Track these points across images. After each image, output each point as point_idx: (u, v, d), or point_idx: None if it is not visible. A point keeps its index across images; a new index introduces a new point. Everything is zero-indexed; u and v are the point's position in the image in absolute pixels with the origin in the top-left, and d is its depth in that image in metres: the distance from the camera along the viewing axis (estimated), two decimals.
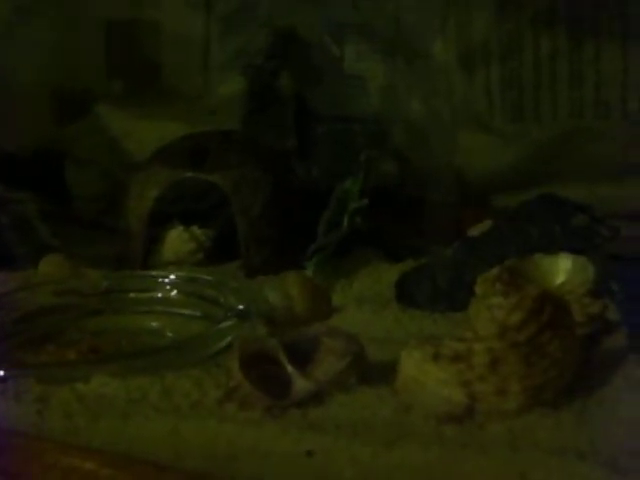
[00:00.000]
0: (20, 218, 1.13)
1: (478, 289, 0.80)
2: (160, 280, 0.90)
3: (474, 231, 0.99)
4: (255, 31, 1.24)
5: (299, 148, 1.18)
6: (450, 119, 1.17)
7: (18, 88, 1.34)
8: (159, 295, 0.89)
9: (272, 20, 1.21)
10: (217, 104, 1.33)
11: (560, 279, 0.81)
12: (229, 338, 0.75)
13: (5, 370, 0.69)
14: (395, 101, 1.19)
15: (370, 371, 0.67)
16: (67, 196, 1.30)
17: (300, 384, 0.65)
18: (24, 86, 1.35)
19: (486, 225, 1.01)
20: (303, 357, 0.67)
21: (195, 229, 1.08)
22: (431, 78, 1.17)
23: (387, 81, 1.19)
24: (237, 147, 1.10)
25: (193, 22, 1.36)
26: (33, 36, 1.34)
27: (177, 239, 1.07)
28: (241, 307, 0.80)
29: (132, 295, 0.90)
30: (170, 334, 0.84)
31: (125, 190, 1.11)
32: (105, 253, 1.10)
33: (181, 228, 1.07)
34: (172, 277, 0.89)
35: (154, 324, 0.86)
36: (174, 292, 0.88)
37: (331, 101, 1.20)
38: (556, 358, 0.59)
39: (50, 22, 1.35)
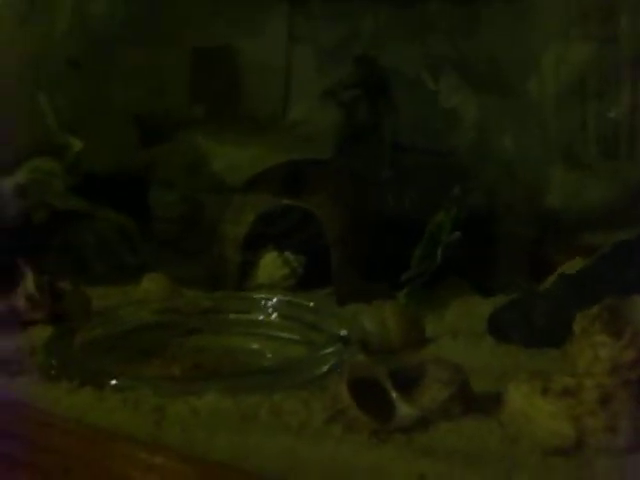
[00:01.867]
0: (101, 236, 1.17)
1: (577, 327, 0.81)
2: (261, 303, 0.92)
3: (567, 269, 1.00)
4: (352, 64, 1.27)
5: (391, 178, 1.20)
6: (543, 155, 1.18)
7: (104, 111, 1.39)
8: (260, 317, 0.91)
9: (370, 54, 1.24)
10: (307, 132, 1.36)
11: None
12: (332, 362, 0.77)
13: (121, 380, 0.72)
14: (488, 135, 1.20)
15: (473, 401, 0.68)
16: (147, 217, 1.33)
17: (404, 410, 0.66)
18: (110, 109, 1.40)
19: (578, 263, 1.02)
20: (408, 384, 0.69)
21: (289, 255, 1.10)
22: (525, 113, 1.18)
23: (480, 115, 1.21)
24: (333, 176, 1.12)
25: (285, 51, 1.40)
26: (120, 61, 1.39)
27: (271, 264, 1.10)
28: (343, 333, 0.82)
29: (232, 316, 0.92)
30: (270, 356, 0.87)
31: (219, 214, 1.15)
32: (185, 274, 1.13)
33: (275, 253, 1.10)
34: (273, 300, 0.92)
35: (254, 345, 0.89)
36: (274, 315, 0.91)
37: (425, 133, 1.22)
38: None
39: (138, 48, 1.40)
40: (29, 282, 0.93)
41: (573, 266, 1.00)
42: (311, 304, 0.90)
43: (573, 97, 1.15)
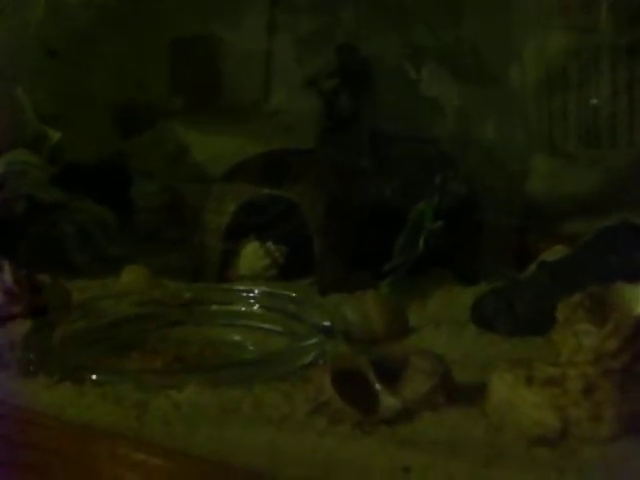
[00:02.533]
0: (81, 227, 1.16)
1: (560, 315, 0.80)
2: (243, 294, 0.91)
3: (549, 257, 1.00)
4: (333, 53, 1.26)
5: (373, 167, 1.20)
6: (524, 143, 1.18)
7: (84, 101, 1.38)
8: (241, 309, 0.91)
9: (351, 43, 1.23)
10: (288, 121, 1.35)
11: None
12: (315, 353, 0.76)
13: (101, 375, 0.71)
14: (470, 124, 1.20)
15: (456, 391, 0.68)
16: (129, 207, 1.32)
17: (388, 401, 0.66)
18: (91, 99, 1.38)
19: (559, 251, 1.01)
20: (391, 375, 0.68)
21: (270, 245, 1.10)
22: (506, 102, 1.18)
23: (462, 104, 1.20)
24: (314, 165, 1.12)
25: (266, 41, 1.39)
26: (99, 51, 1.38)
27: (253, 254, 1.09)
28: (326, 324, 0.81)
29: (214, 307, 0.91)
30: (252, 347, 0.86)
31: (201, 204, 1.14)
32: (167, 264, 1.12)
33: (257, 244, 1.09)
34: (255, 292, 0.91)
35: (236, 337, 0.88)
36: (256, 306, 0.90)
37: (407, 122, 1.21)
38: None
39: (116, 38, 1.39)
40: (7, 275, 0.91)
41: (554, 253, 1.00)
42: (293, 295, 0.89)
43: (554, 86, 1.15)
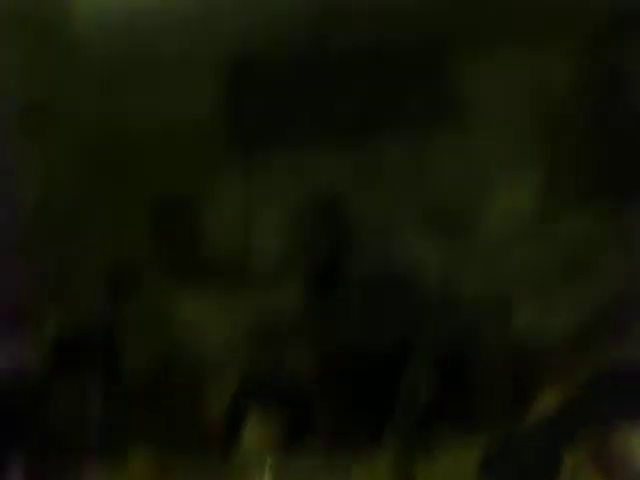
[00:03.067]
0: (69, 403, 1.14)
1: (569, 464, 0.82)
2: None
3: (545, 402, 1.01)
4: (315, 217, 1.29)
5: (365, 320, 1.20)
6: (508, 292, 1.21)
7: (70, 264, 1.37)
8: None
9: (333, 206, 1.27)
10: (272, 283, 1.36)
11: None
12: None
13: None
14: (454, 276, 1.23)
15: None
16: (117, 372, 1.30)
17: None
18: (75, 262, 1.38)
19: (554, 396, 1.03)
20: None
21: (274, 414, 1.09)
22: (486, 253, 1.22)
23: (445, 258, 1.23)
24: (307, 329, 1.14)
25: (246, 206, 1.41)
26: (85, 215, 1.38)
27: (257, 425, 1.09)
28: None
29: None
30: None
31: (200, 375, 1.14)
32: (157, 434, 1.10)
33: (261, 413, 1.09)
34: None
35: None
36: None
37: (394, 276, 1.23)
38: None
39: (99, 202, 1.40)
40: None
41: (550, 399, 1.02)
42: None
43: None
